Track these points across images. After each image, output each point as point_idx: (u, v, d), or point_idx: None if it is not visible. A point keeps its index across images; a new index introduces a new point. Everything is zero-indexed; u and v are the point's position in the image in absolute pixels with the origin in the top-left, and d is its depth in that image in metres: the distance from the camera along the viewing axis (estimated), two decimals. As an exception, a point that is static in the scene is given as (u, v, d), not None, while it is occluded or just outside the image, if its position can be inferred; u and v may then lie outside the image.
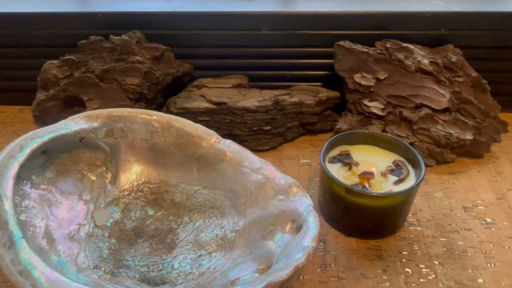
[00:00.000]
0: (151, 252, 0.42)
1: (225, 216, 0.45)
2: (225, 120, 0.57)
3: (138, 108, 0.57)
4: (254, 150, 0.58)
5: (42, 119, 0.61)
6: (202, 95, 0.59)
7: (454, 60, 0.57)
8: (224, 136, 0.59)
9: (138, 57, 0.57)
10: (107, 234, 0.43)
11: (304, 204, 0.40)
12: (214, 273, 0.39)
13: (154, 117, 0.47)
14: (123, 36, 0.59)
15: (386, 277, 0.42)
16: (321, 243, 0.45)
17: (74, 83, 0.57)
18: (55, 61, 0.59)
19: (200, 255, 0.42)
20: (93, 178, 0.46)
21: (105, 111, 0.46)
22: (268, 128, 0.57)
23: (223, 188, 0.46)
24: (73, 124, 0.43)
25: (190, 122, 0.48)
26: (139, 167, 0.48)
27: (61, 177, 0.44)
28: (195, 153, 0.47)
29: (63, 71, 0.59)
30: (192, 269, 0.41)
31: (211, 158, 0.47)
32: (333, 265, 0.43)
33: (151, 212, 0.46)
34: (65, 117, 0.45)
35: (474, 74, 0.57)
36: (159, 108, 0.61)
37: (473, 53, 0.60)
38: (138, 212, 0.46)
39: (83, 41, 0.59)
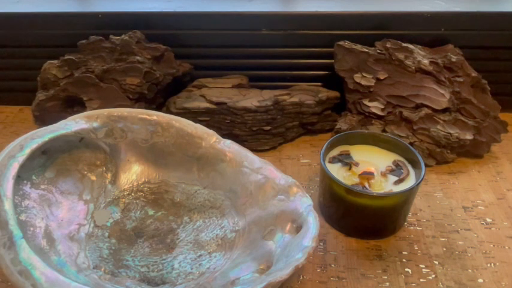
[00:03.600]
0: (151, 252, 0.42)
1: (225, 216, 0.45)
2: (225, 120, 0.57)
3: (138, 108, 0.57)
4: (254, 150, 0.58)
5: (42, 119, 0.61)
6: (202, 95, 0.59)
7: (454, 60, 0.57)
8: (224, 136, 0.58)
9: (138, 57, 0.57)
10: (107, 234, 0.43)
11: (304, 204, 0.40)
12: (214, 273, 0.39)
13: (155, 117, 0.47)
14: (123, 36, 0.59)
15: (386, 277, 0.42)
16: (321, 243, 0.45)
17: (74, 83, 0.57)
18: (55, 61, 0.59)
19: (200, 255, 0.42)
20: (93, 178, 0.46)
21: (105, 111, 0.46)
22: (268, 128, 0.57)
23: (223, 188, 0.46)
24: (73, 124, 0.43)
25: (190, 122, 0.48)
26: (139, 167, 0.48)
27: (61, 177, 0.44)
28: (195, 153, 0.47)
29: (63, 71, 0.59)
30: (192, 269, 0.41)
31: (211, 158, 0.47)
32: (333, 265, 0.43)
33: (151, 212, 0.46)
34: (65, 117, 0.45)
35: (474, 74, 0.57)
36: (159, 108, 0.61)
37: (473, 53, 0.60)
38: (138, 212, 0.46)
39: (83, 41, 0.59)
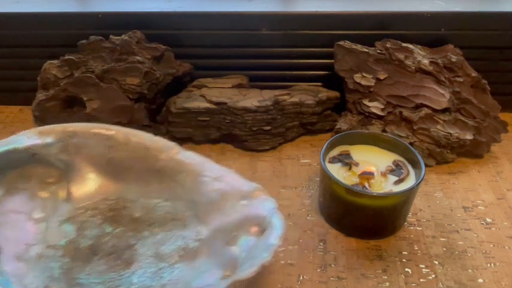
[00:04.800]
0: (108, 269, 0.40)
1: (187, 227, 0.43)
2: (225, 120, 0.57)
3: (138, 107, 0.57)
4: (254, 150, 0.58)
5: (42, 119, 0.61)
6: (202, 95, 0.59)
7: (454, 60, 0.57)
8: (224, 136, 0.59)
9: (138, 57, 0.57)
10: (60, 253, 0.41)
11: (268, 207, 0.39)
12: (176, 284, 0.38)
13: (111, 132, 0.45)
14: (123, 36, 0.59)
15: (386, 277, 0.42)
16: (321, 243, 0.45)
17: (74, 83, 0.57)
18: (55, 61, 0.59)
19: (161, 268, 0.40)
20: (46, 195, 0.44)
21: (59, 127, 0.44)
22: (268, 128, 0.57)
23: (184, 198, 0.45)
24: (24, 139, 0.41)
25: (149, 135, 0.46)
26: (96, 183, 0.46)
27: (9, 195, 0.41)
28: (154, 166, 0.45)
29: (63, 71, 0.59)
30: (152, 282, 0.39)
31: (170, 169, 0.45)
32: (333, 265, 0.43)
33: (109, 229, 0.44)
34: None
35: (474, 74, 0.57)
36: (159, 108, 0.61)
37: (473, 53, 0.60)
38: (95, 230, 0.43)
39: (83, 41, 0.59)
